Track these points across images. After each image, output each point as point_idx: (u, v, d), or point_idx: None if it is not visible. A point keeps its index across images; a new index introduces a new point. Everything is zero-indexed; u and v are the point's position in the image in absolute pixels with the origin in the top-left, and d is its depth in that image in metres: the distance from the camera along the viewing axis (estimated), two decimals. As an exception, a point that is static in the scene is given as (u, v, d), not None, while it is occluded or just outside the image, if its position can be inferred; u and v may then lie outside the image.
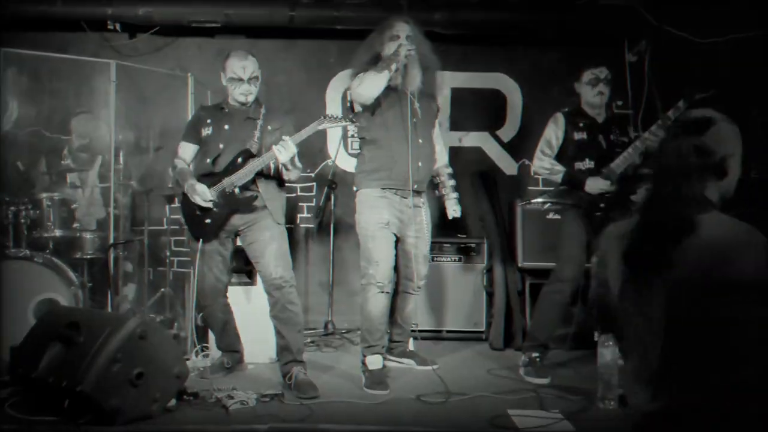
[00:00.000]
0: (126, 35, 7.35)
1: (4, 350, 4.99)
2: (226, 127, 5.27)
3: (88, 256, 6.13)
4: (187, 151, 5.42)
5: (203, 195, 5.12)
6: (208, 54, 7.51)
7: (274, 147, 4.99)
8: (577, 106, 5.72)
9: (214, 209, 5.18)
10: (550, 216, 5.88)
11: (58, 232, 6.00)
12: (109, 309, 5.94)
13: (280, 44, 7.41)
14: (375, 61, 5.31)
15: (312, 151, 7.32)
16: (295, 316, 5.19)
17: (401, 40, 5.28)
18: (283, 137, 5.00)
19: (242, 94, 5.25)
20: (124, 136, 6.63)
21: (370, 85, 5.21)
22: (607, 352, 4.56)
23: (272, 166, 5.18)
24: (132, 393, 4.13)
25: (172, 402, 4.45)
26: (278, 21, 7.06)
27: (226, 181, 5.14)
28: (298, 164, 5.21)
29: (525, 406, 4.67)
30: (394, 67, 5.18)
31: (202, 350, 5.89)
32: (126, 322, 4.21)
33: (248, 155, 5.16)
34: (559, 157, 5.64)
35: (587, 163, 5.56)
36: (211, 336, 5.88)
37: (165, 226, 6.79)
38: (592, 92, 5.60)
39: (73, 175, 6.49)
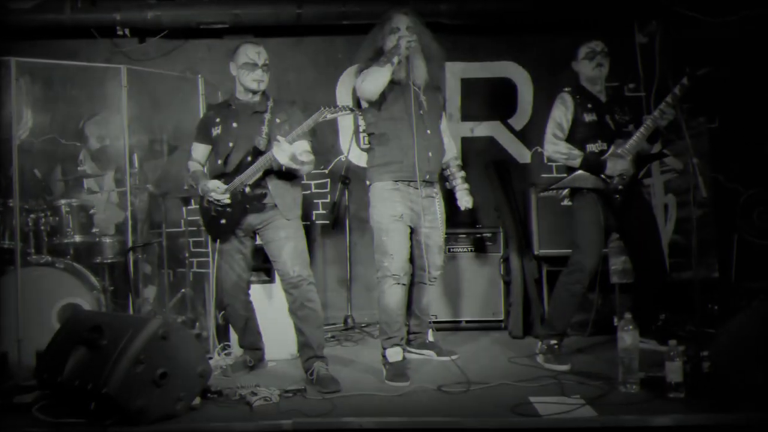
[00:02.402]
0: (135, 40, 7.43)
1: (29, 355, 5.06)
2: (234, 124, 5.28)
3: (108, 260, 6.22)
4: (200, 151, 5.46)
5: (217, 189, 5.15)
6: (217, 55, 7.54)
7: (272, 150, 4.98)
8: (577, 84, 5.66)
9: (228, 209, 5.20)
10: (565, 203, 5.87)
11: (77, 238, 6.08)
12: (131, 311, 5.99)
13: (288, 42, 7.44)
14: (377, 56, 5.32)
15: (325, 147, 7.38)
16: (314, 312, 5.20)
17: (401, 32, 5.30)
18: (277, 138, 4.99)
19: (255, 80, 5.24)
20: (138, 140, 6.65)
21: (374, 80, 5.21)
22: (628, 336, 4.54)
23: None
24: (156, 393, 4.15)
25: (197, 401, 4.46)
26: (286, 19, 7.11)
27: (237, 180, 5.14)
28: (302, 160, 5.14)
29: (546, 393, 4.65)
30: (396, 60, 5.18)
31: (224, 349, 5.92)
32: (148, 324, 4.22)
33: (257, 153, 5.15)
34: (569, 140, 5.53)
35: (600, 145, 5.49)
36: (233, 334, 5.92)
37: (183, 228, 6.86)
38: (590, 65, 5.54)
39: (90, 180, 6.54)
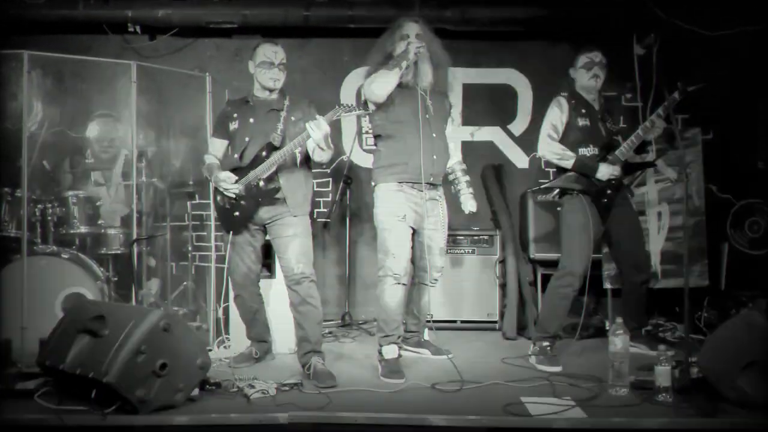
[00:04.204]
0: (146, 37, 7.50)
1: (33, 343, 5.07)
2: (251, 120, 5.38)
3: (113, 252, 6.22)
4: (217, 146, 5.56)
5: (227, 180, 5.25)
6: (225, 54, 7.65)
7: (306, 125, 5.01)
8: (573, 90, 5.73)
9: (242, 202, 5.28)
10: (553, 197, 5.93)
11: (83, 229, 6.11)
12: (134, 302, 5.99)
13: (295, 43, 7.44)
14: (387, 61, 5.35)
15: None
16: (314, 309, 5.27)
17: (411, 38, 5.34)
18: (317, 116, 5.08)
19: (271, 78, 5.36)
20: (146, 135, 6.70)
21: (382, 83, 5.26)
22: (618, 340, 4.57)
23: (297, 156, 5.25)
24: (156, 383, 4.17)
25: (196, 392, 4.49)
26: (293, 21, 7.17)
27: (251, 174, 5.22)
28: (331, 145, 5.21)
29: (538, 393, 4.68)
30: (404, 64, 5.23)
31: (223, 342, 5.98)
32: (150, 315, 4.26)
33: (272, 148, 5.23)
34: (562, 142, 5.58)
35: (591, 150, 5.57)
36: (232, 327, 6.00)
37: (187, 222, 6.89)
38: (587, 75, 5.63)
39: (97, 173, 6.57)
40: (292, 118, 5.36)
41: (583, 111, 5.64)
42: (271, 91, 5.43)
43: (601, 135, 5.65)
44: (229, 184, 5.27)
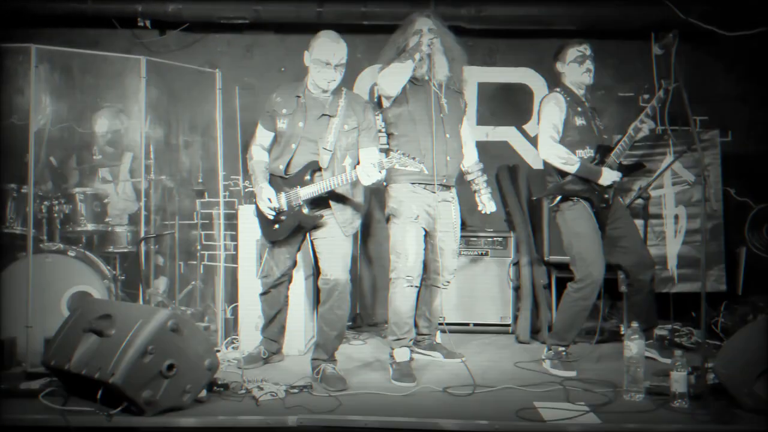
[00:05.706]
0: (156, 32, 7.45)
1: (38, 342, 5.08)
2: (300, 124, 5.14)
3: (120, 250, 6.24)
4: (265, 137, 5.34)
5: (267, 201, 5.11)
6: (236, 50, 7.61)
7: (358, 169, 4.91)
8: (564, 86, 5.56)
9: (282, 217, 5.17)
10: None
11: (90, 226, 6.10)
12: (141, 302, 5.98)
13: (308, 39, 7.34)
14: (399, 57, 5.32)
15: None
16: (339, 320, 5.19)
17: (424, 33, 5.31)
18: (372, 164, 4.87)
19: (325, 80, 5.08)
20: (155, 132, 6.68)
21: (395, 76, 5.25)
22: (634, 345, 4.55)
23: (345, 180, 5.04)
24: (163, 384, 4.17)
25: (203, 393, 4.48)
26: (306, 17, 7.13)
27: (293, 194, 5.10)
28: (381, 174, 4.96)
29: (551, 398, 4.65)
30: (417, 56, 5.22)
31: (232, 342, 5.96)
32: (157, 315, 4.25)
33: (316, 169, 5.08)
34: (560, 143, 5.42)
35: (588, 152, 5.44)
36: (242, 328, 5.99)
37: (195, 220, 6.84)
38: (579, 70, 5.45)
39: (104, 170, 6.57)
40: (345, 127, 5.16)
41: (579, 109, 5.49)
42: (324, 91, 5.21)
43: (595, 135, 5.52)
44: (267, 206, 5.14)
